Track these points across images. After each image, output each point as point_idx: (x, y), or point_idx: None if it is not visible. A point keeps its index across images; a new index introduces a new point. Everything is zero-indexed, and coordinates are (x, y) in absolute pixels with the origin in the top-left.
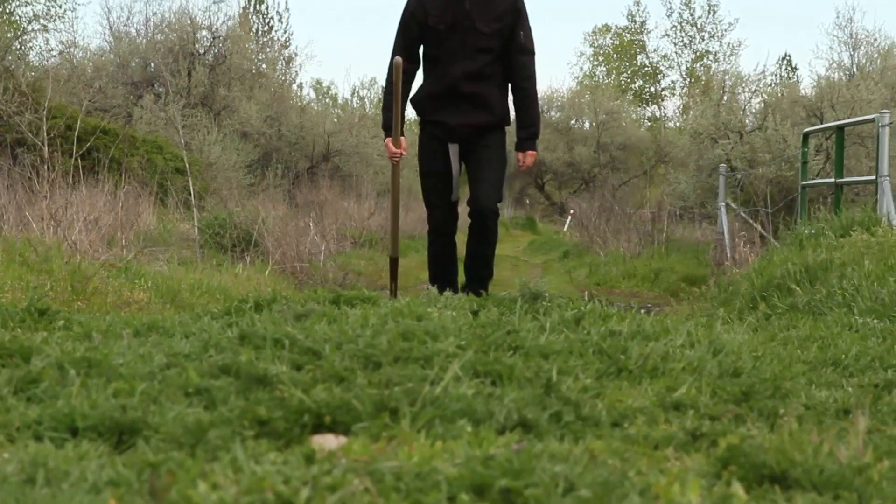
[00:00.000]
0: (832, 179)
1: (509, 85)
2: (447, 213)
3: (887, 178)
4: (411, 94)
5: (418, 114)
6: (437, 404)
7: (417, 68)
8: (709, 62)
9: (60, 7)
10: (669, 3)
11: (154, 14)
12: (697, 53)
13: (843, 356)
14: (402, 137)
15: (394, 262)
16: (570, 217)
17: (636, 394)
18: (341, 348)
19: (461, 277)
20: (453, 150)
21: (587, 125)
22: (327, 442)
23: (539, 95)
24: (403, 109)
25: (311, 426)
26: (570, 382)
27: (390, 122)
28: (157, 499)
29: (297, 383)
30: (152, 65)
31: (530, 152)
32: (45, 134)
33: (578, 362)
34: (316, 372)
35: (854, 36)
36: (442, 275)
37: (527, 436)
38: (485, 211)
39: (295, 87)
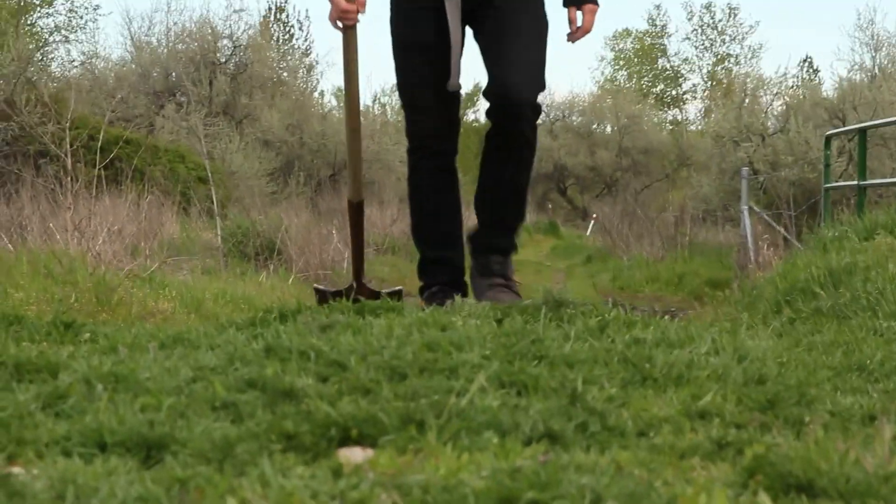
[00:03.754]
0: (855, 182)
1: None
2: (440, 114)
3: None
4: None
5: None
6: (463, 416)
7: None
8: (730, 65)
9: (82, 18)
10: (690, 6)
11: (175, 24)
12: (718, 56)
13: (869, 361)
14: None
15: (356, 210)
16: (592, 221)
17: (661, 403)
18: (366, 360)
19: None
20: (452, 6)
21: (609, 129)
22: (354, 455)
23: (560, 101)
24: None
25: (337, 439)
26: (596, 392)
27: None
28: None
29: (324, 396)
30: (174, 74)
31: (589, 6)
32: (68, 145)
33: (603, 371)
34: (342, 384)
35: (875, 37)
36: (433, 222)
37: (553, 447)
38: (517, 105)
39: (316, 94)
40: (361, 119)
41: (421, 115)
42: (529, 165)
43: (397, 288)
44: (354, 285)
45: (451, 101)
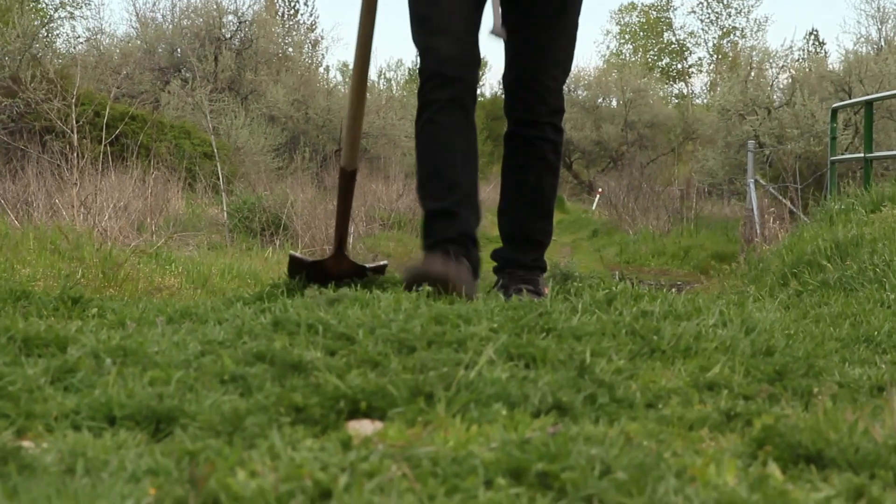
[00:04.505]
0: (861, 154)
1: None
2: (460, 40)
3: None
4: None
5: None
6: (472, 388)
7: None
8: (736, 38)
9: None
10: None
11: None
12: (724, 30)
13: (876, 333)
14: None
15: (349, 178)
16: (598, 195)
17: (670, 374)
18: (374, 333)
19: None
20: None
21: (614, 103)
22: (363, 427)
23: None
24: None
25: (346, 412)
26: (604, 364)
27: None
28: (197, 488)
29: (332, 369)
30: (179, 50)
31: None
32: (73, 121)
33: (611, 343)
34: (350, 357)
35: (881, 9)
36: (442, 166)
37: (562, 419)
38: (539, 115)
39: (321, 70)
40: (367, 94)
41: (441, 39)
42: (555, 170)
43: (382, 263)
44: (335, 254)
45: (474, 32)
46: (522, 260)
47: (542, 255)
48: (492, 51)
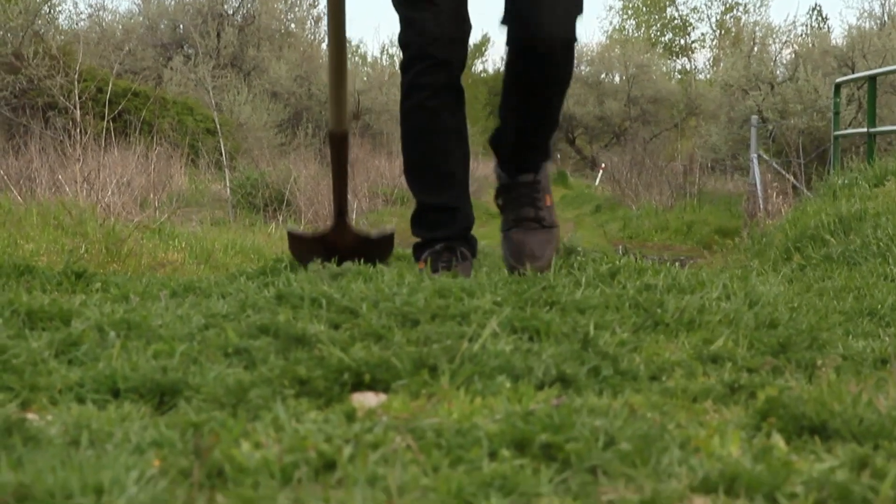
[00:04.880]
0: (864, 129)
1: None
2: (449, 11)
3: None
4: None
5: None
6: (476, 361)
7: None
8: (739, 13)
9: None
10: None
11: None
12: (727, 5)
13: (880, 306)
14: None
15: (339, 143)
16: (601, 171)
17: (673, 347)
18: (378, 306)
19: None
20: None
21: (617, 79)
22: (367, 400)
23: None
24: None
25: (350, 384)
26: (608, 337)
27: None
28: (201, 459)
29: (336, 342)
30: (181, 26)
31: None
32: (76, 97)
33: (615, 317)
34: (354, 330)
35: None
36: (435, 156)
37: (566, 391)
38: (552, 43)
39: (324, 46)
40: (370, 70)
41: (425, 9)
42: (564, 85)
43: (389, 230)
44: (337, 226)
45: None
46: (526, 158)
47: (547, 147)
48: (493, 27)
